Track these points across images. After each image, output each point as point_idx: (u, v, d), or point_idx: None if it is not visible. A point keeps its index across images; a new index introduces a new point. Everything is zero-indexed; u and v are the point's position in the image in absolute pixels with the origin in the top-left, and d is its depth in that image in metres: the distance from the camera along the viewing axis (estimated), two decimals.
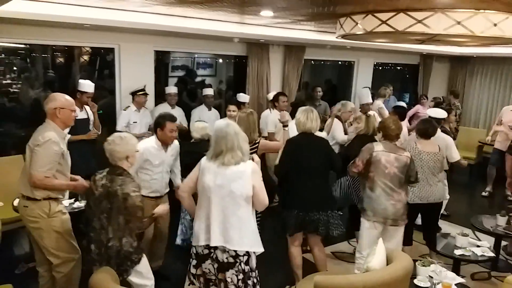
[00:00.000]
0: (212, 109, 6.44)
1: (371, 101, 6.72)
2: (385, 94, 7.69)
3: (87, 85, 5.04)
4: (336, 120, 5.62)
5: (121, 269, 2.93)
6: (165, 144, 3.86)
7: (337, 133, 5.54)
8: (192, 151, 4.15)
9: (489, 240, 4.34)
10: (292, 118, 4.91)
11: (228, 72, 8.86)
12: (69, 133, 4.63)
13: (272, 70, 7.26)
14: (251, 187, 2.84)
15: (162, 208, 3.31)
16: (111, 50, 5.95)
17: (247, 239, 2.88)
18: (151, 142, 3.85)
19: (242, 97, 6.36)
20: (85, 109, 5.09)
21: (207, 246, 2.89)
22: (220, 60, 8.79)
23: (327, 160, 3.83)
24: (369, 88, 7.97)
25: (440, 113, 5.36)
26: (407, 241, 4.29)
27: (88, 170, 3.72)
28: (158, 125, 3.81)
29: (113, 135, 3.08)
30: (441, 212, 4.80)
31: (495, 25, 3.94)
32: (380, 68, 9.76)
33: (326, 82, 9.40)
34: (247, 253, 2.90)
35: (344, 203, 4.56)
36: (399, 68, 10.58)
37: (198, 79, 8.50)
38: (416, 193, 4.25)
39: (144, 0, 4.03)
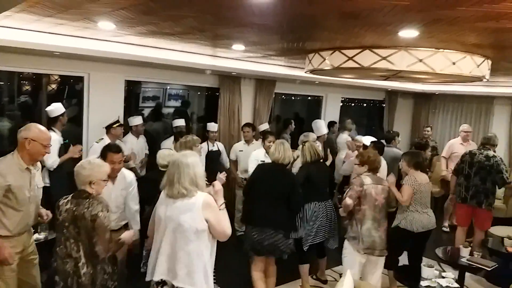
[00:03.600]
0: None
1: (324, 133, 6.94)
2: (351, 128, 7.94)
3: (58, 109, 4.92)
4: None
5: None
6: (111, 176, 3.65)
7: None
8: (156, 179, 4.05)
9: (453, 272, 4.42)
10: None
11: (200, 104, 8.90)
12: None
13: (244, 103, 7.36)
14: (203, 221, 2.68)
15: (129, 234, 3.19)
16: (80, 79, 5.87)
17: (197, 278, 2.69)
18: None
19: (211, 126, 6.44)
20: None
21: (157, 283, 2.73)
22: (192, 92, 8.84)
23: (287, 191, 4.08)
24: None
25: (369, 139, 5.90)
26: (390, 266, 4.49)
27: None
28: (102, 156, 3.69)
29: (87, 158, 3.03)
30: None
31: (453, 63, 4.18)
32: (348, 103, 10.05)
33: (295, 116, 9.61)
34: None
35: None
36: (365, 103, 10.92)
37: (170, 110, 8.50)
38: (418, 223, 4.36)
39: (115, 29, 4.04)
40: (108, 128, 5.37)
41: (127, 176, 3.92)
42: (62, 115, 4.95)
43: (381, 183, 3.99)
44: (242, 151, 6.14)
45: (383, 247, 3.95)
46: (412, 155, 4.66)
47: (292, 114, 9.58)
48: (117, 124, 5.41)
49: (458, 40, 3.66)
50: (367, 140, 5.83)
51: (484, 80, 4.74)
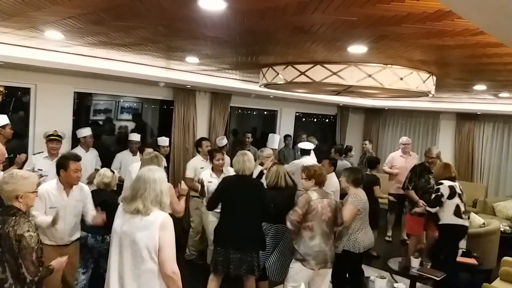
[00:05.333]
0: (138, 154, 6.20)
1: (275, 147, 7.51)
2: (314, 143, 8.09)
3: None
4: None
5: None
6: (68, 187, 3.58)
7: None
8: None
9: (405, 282, 4.52)
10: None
11: (154, 117, 8.74)
12: None
13: (199, 116, 7.31)
14: (158, 241, 2.51)
15: (60, 260, 3.00)
16: (27, 90, 5.62)
17: None
18: (51, 185, 3.58)
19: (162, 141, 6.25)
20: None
21: None
22: (147, 105, 8.67)
23: (258, 201, 4.03)
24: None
25: (309, 145, 6.08)
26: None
27: None
28: (61, 166, 3.55)
29: (8, 172, 2.86)
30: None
31: (401, 79, 4.36)
32: (302, 117, 10.23)
33: (253, 129, 9.66)
34: None
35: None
36: (319, 118, 11.14)
37: (123, 123, 8.27)
38: (361, 243, 4.28)
39: (64, 39, 3.91)
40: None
41: (83, 187, 3.77)
42: (3, 126, 4.59)
43: (327, 197, 3.96)
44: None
45: (333, 259, 3.94)
46: (351, 171, 4.54)
47: (248, 127, 9.60)
48: (49, 138, 5.01)
49: (405, 56, 3.82)
50: (304, 145, 6.07)
51: (430, 95, 4.96)
